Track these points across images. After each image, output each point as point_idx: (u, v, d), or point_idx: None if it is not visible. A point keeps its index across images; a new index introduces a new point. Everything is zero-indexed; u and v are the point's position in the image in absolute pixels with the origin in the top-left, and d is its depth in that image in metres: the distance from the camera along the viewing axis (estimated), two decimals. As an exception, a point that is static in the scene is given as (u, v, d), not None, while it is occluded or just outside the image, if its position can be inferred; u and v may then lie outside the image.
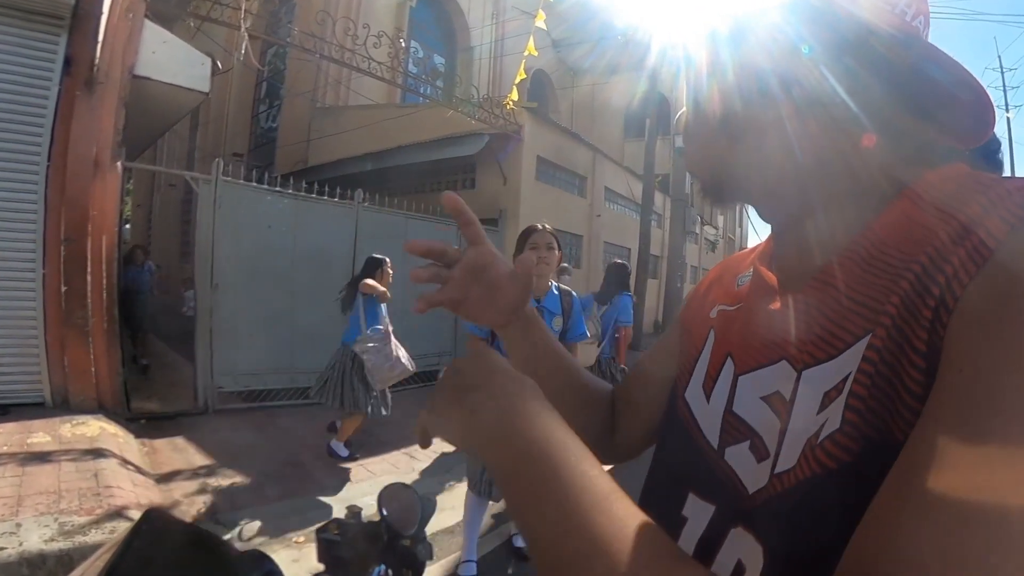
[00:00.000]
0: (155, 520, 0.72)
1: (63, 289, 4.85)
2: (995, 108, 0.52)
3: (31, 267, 4.78)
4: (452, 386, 0.55)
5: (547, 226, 3.12)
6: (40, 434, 4.25)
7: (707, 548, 0.59)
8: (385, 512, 0.72)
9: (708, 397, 0.66)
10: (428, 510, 0.78)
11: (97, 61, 4.86)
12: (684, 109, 0.66)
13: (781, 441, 0.52)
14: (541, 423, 0.49)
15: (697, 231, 17.04)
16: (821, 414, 0.49)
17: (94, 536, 2.99)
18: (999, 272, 0.41)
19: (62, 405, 4.87)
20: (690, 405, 0.68)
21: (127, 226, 17.32)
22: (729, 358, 0.65)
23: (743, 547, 0.54)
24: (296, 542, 3.44)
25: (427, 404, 0.57)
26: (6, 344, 4.79)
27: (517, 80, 9.57)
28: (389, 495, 0.75)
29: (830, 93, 0.53)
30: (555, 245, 3.07)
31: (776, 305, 0.60)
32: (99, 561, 0.66)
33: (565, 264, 8.61)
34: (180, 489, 4.01)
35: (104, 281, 5.12)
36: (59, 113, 4.80)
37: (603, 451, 0.89)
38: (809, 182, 0.57)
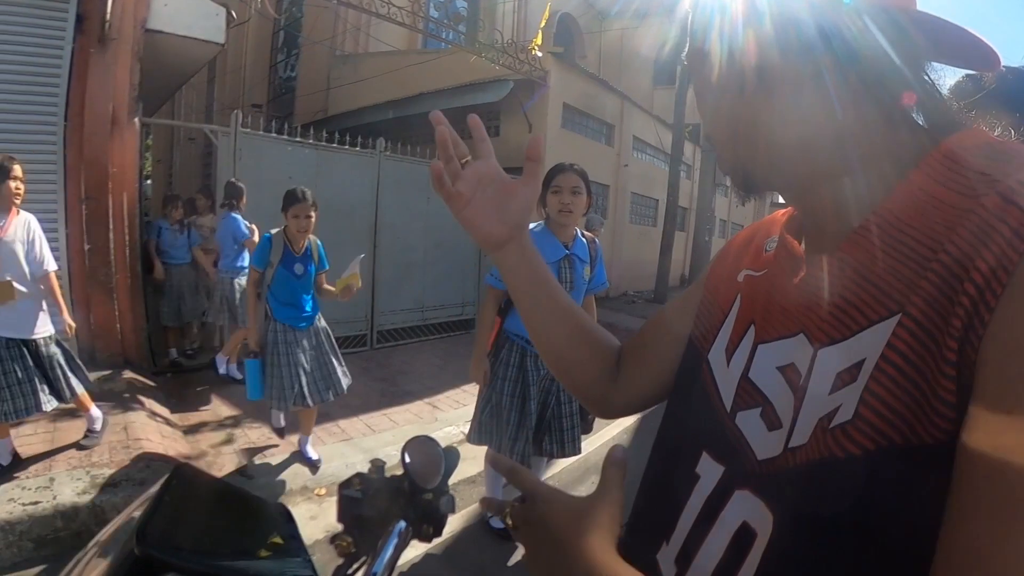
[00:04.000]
0: (184, 475, 0.75)
1: (86, 248, 4.94)
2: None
3: (53, 227, 4.83)
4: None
5: (575, 166, 2.85)
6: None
7: (713, 506, 0.61)
8: (408, 466, 0.74)
9: (728, 361, 0.66)
10: (452, 462, 0.80)
11: (108, 17, 4.81)
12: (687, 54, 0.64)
13: (796, 416, 0.53)
14: None
15: (727, 183, 16.74)
16: (833, 395, 0.49)
17: (125, 488, 3.12)
18: None
19: (89, 361, 5.00)
20: (712, 367, 0.69)
21: (148, 182, 17.49)
22: (752, 326, 0.65)
23: (750, 511, 0.56)
24: (318, 494, 3.55)
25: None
26: (33, 304, 4.91)
27: (543, 24, 9.38)
28: (413, 448, 0.76)
29: (873, 45, 0.51)
30: (582, 188, 2.81)
31: (800, 275, 0.60)
32: (132, 516, 0.69)
33: (596, 215, 8.51)
34: (207, 440, 4.15)
35: (127, 238, 5.21)
36: (74, 72, 4.80)
37: (598, 402, 0.91)
38: (846, 141, 0.55)
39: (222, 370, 5.41)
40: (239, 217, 5.36)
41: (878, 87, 0.52)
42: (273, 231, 3.65)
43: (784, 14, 0.54)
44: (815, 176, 0.58)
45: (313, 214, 3.61)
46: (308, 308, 3.75)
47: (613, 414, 0.92)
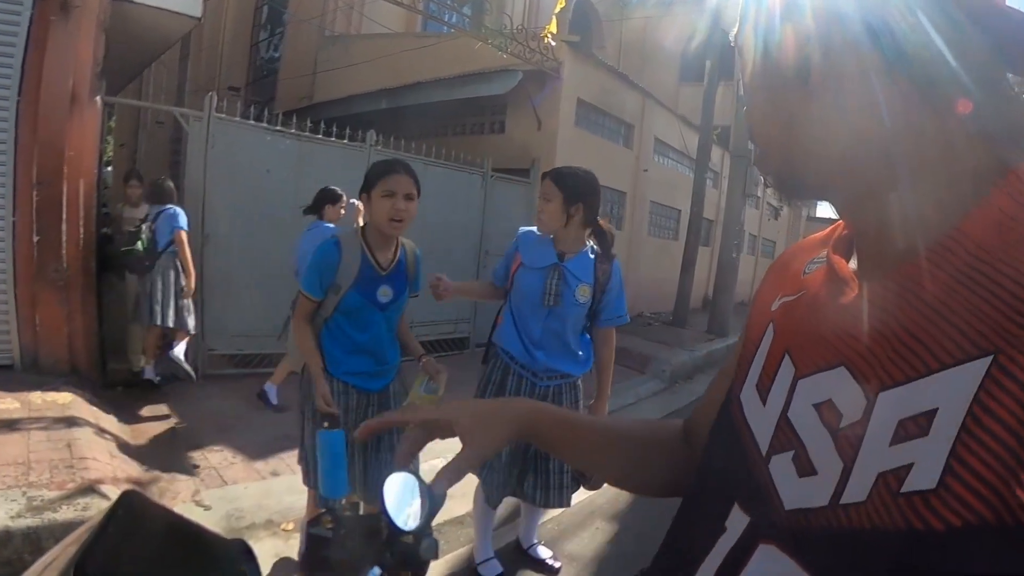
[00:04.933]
0: (132, 504, 0.74)
1: (35, 239, 4.92)
2: None
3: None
4: None
5: (557, 172, 2.89)
6: (8, 399, 4.37)
7: (735, 560, 0.60)
8: (387, 505, 0.73)
9: (764, 399, 0.65)
10: (436, 503, 0.79)
11: (71, -19, 4.85)
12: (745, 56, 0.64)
13: (848, 465, 0.51)
14: None
15: (759, 194, 16.67)
16: (896, 448, 0.47)
17: (65, 513, 3.08)
18: None
19: (32, 368, 5.00)
20: (743, 407, 0.69)
21: (108, 168, 17.55)
22: (787, 356, 0.64)
23: (781, 571, 0.54)
24: (284, 529, 3.53)
25: None
26: (-30, 301, 4.90)
27: (557, 9, 9.41)
28: (392, 484, 0.76)
29: (926, 44, 0.50)
30: (551, 195, 2.82)
31: (847, 299, 0.59)
32: (70, 547, 0.68)
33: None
34: (161, 462, 4.12)
35: (81, 230, 5.21)
36: (31, 42, 4.81)
37: (684, 487, 0.90)
38: (895, 150, 0.54)
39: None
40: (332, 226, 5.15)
41: (931, 92, 0.52)
42: (339, 234, 2.79)
43: (827, 6, 0.55)
44: (867, 186, 0.58)
45: (416, 197, 2.65)
46: (390, 356, 2.85)
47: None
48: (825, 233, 0.76)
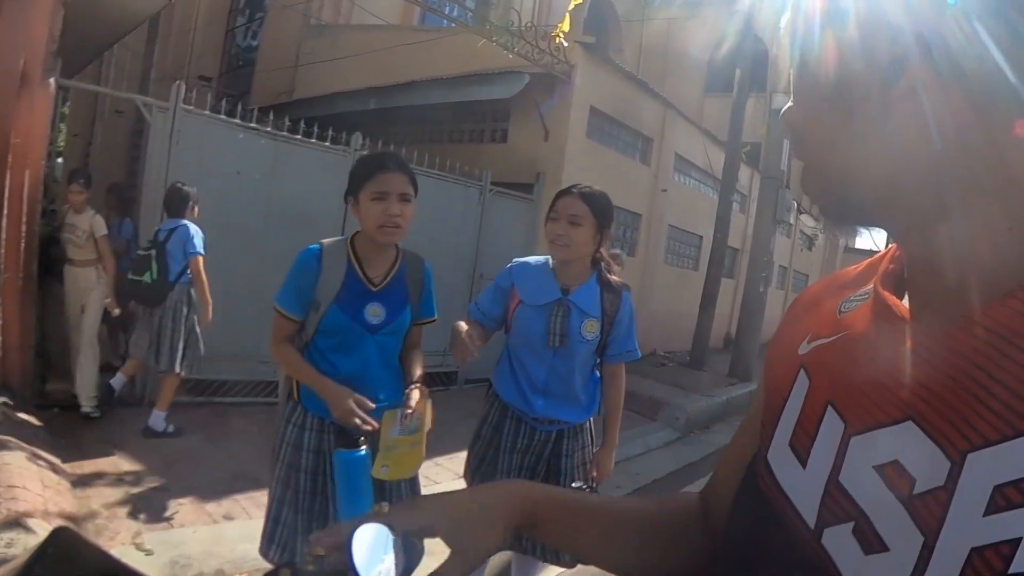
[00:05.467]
0: (63, 543, 0.73)
1: (-25, 233, 4.90)
2: None
3: (-70, 208, 4.85)
4: None
5: (586, 190, 2.82)
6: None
7: None
8: (355, 562, 0.72)
9: (804, 461, 0.63)
10: (412, 560, 0.78)
11: (27, -52, 4.88)
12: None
13: (931, 541, 0.49)
14: None
15: (791, 220, 16.74)
16: (994, 518, 0.45)
17: (-13, 550, 3.05)
18: None
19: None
20: (774, 469, 0.67)
21: (59, 160, 17.59)
22: (831, 408, 0.62)
23: None
24: (236, 583, 3.49)
25: None
26: None
27: (571, 6, 9.48)
28: (361, 539, 0.75)
29: (983, 58, 0.49)
30: (584, 218, 2.74)
31: (905, 344, 0.58)
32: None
33: (616, 250, 8.41)
34: (100, 497, 4.09)
35: (23, 228, 5.19)
36: (-23, 14, 4.82)
37: (704, 559, 0.89)
38: (946, 175, 0.54)
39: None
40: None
41: (988, 110, 0.51)
42: (325, 242, 2.63)
43: (871, 14, 0.55)
44: (918, 215, 0.57)
45: (413, 197, 2.55)
46: (382, 393, 2.58)
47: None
48: (861, 267, 0.75)
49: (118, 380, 5.42)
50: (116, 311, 5.53)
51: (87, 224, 5.62)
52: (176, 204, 5.39)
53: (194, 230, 5.31)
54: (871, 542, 0.53)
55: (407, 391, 2.58)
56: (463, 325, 2.66)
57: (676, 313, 14.48)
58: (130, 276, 5.34)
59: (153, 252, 5.25)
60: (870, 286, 0.68)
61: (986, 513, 0.45)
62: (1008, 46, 0.49)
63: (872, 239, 0.65)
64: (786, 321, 0.81)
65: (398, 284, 2.63)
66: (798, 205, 17.60)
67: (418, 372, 2.70)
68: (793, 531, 0.61)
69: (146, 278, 5.21)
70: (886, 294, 0.63)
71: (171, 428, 5.40)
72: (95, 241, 5.60)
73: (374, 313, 2.55)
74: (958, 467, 0.48)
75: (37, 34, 5.07)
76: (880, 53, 0.54)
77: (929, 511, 0.49)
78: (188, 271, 5.25)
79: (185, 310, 5.35)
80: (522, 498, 0.86)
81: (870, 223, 0.63)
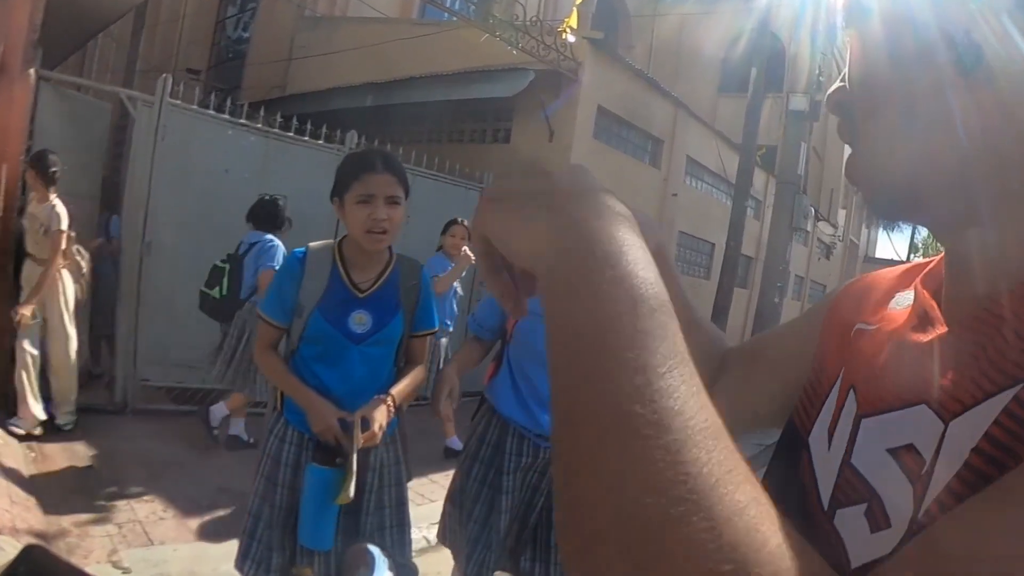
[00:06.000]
0: (34, 562, 0.73)
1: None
2: None
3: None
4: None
5: None
6: None
7: None
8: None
9: (829, 443, 0.65)
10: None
11: (7, -66, 4.90)
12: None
13: (917, 513, 0.50)
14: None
15: (808, 228, 16.79)
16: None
17: (-47, 569, 3.04)
18: None
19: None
20: (812, 452, 0.68)
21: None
22: (852, 392, 0.64)
23: None
24: (224, 604, 3.49)
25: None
26: None
27: (579, 1, 9.49)
28: (352, 561, 0.74)
29: (1011, 55, 0.49)
30: None
31: (929, 337, 0.59)
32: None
33: None
34: (73, 514, 4.07)
35: (-1, 223, 5.17)
36: (-45, 0, 4.84)
37: None
38: (975, 176, 0.54)
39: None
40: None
41: (1017, 108, 0.51)
42: (312, 245, 2.60)
43: (896, 10, 0.55)
44: (945, 216, 0.58)
45: (403, 200, 2.50)
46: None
47: None
48: (910, 267, 0.76)
49: (218, 411, 5.43)
50: (21, 317, 4.96)
51: (46, 215, 5.13)
52: (264, 217, 5.29)
53: (278, 245, 5.17)
54: (879, 522, 0.55)
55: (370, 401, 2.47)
56: (449, 379, 2.74)
57: (686, 324, 14.48)
58: (201, 288, 5.23)
59: (227, 267, 5.16)
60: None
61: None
62: None
63: (893, 247, 0.64)
64: (844, 297, 0.82)
65: (388, 291, 2.57)
66: (816, 212, 17.59)
67: (398, 387, 2.57)
68: (812, 509, 0.63)
69: (215, 292, 5.12)
70: (923, 293, 0.64)
71: (251, 439, 5.39)
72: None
73: (359, 321, 2.49)
74: (944, 435, 0.51)
75: (17, 23, 5.08)
76: (904, 50, 0.54)
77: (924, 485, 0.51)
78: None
79: (250, 330, 5.10)
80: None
81: (914, 217, 0.63)
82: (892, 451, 0.56)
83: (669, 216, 13.97)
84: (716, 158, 15.35)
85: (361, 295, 2.50)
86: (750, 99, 13.29)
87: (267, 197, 5.32)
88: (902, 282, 0.75)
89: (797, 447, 0.71)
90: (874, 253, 28.03)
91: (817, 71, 13.70)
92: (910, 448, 0.54)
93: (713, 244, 15.88)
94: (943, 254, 0.68)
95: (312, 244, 2.58)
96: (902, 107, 0.55)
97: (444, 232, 6.00)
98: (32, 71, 5.27)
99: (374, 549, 0.78)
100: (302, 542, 2.36)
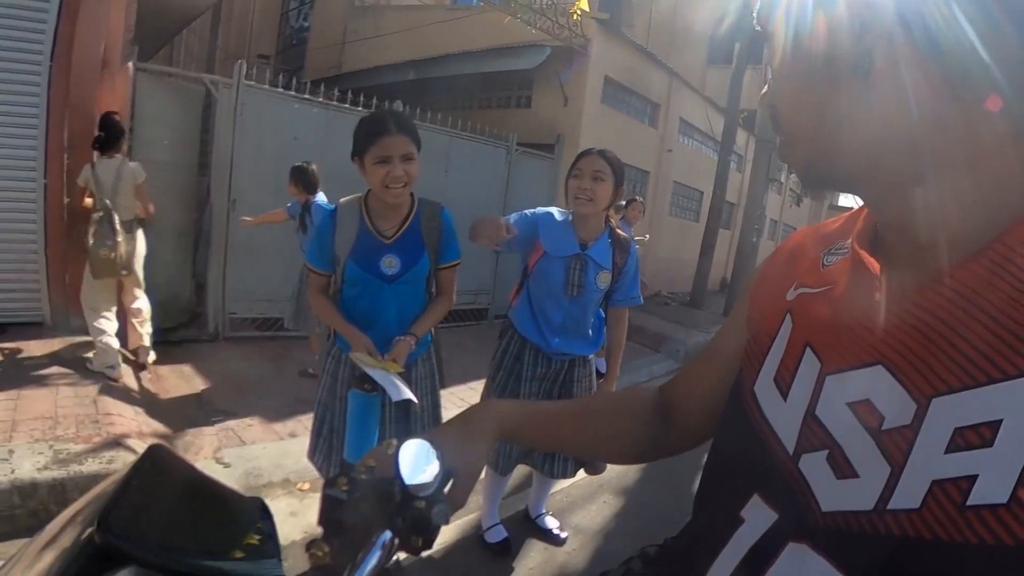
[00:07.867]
0: (158, 458, 0.76)
1: (66, 201, 4.95)
2: None
3: (32, 176, 4.89)
4: None
5: (606, 152, 2.76)
6: (37, 355, 4.47)
7: (759, 558, 0.59)
8: (401, 471, 0.73)
9: (785, 394, 0.64)
10: (449, 471, 0.79)
11: (104, -51, 4.83)
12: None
13: (897, 471, 0.50)
14: None
15: (782, 179, 16.52)
16: (954, 456, 0.46)
17: (90, 466, 3.14)
18: None
19: (62, 325, 5.08)
20: (760, 401, 0.67)
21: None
22: (809, 349, 0.63)
23: (813, 571, 0.54)
24: (300, 489, 3.58)
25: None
26: (4, 259, 4.97)
27: (587, -14, 9.27)
28: (407, 451, 0.76)
29: (959, 38, 0.48)
30: (607, 175, 2.69)
31: (877, 297, 0.58)
32: (95, 500, 0.70)
33: (638, 197, 8.04)
34: (184, 421, 4.19)
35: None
36: (64, 8, 4.79)
37: (652, 451, 0.95)
38: (921, 144, 0.53)
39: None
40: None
41: (961, 86, 0.50)
42: (342, 200, 2.55)
43: None
44: (894, 179, 0.57)
45: (416, 154, 2.41)
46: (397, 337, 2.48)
47: (672, 453, 0.95)
48: (840, 222, 0.74)
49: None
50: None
51: (129, 171, 4.50)
52: (307, 181, 5.05)
53: (324, 203, 4.99)
54: (843, 469, 0.54)
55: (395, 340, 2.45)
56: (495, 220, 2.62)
57: (679, 259, 14.44)
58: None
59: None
60: (849, 241, 0.68)
61: (947, 451, 0.46)
62: (983, 29, 0.48)
63: (854, 198, 0.64)
64: (771, 266, 0.81)
65: (412, 235, 2.50)
66: (788, 166, 17.25)
67: (421, 322, 2.53)
68: (773, 455, 0.62)
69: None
70: (862, 252, 0.63)
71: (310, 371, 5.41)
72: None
73: (389, 264, 2.45)
74: (923, 409, 0.49)
75: (115, 24, 5.06)
76: (867, 31, 0.53)
77: (896, 445, 0.50)
78: None
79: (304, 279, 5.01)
80: (500, 413, 0.89)
81: (842, 189, 0.62)
82: (851, 405, 0.55)
83: (665, 169, 13.80)
84: (705, 120, 15.06)
85: (387, 241, 2.46)
86: (734, 70, 13.00)
87: (302, 165, 5.07)
88: (823, 242, 0.74)
89: (743, 400, 0.70)
90: (837, 202, 27.43)
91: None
92: (867, 404, 0.54)
93: (702, 192, 15.65)
94: (866, 213, 0.68)
95: (342, 199, 2.54)
96: (863, 82, 0.53)
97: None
98: (130, 64, 5.25)
99: (425, 442, 0.79)
100: (346, 458, 2.34)
